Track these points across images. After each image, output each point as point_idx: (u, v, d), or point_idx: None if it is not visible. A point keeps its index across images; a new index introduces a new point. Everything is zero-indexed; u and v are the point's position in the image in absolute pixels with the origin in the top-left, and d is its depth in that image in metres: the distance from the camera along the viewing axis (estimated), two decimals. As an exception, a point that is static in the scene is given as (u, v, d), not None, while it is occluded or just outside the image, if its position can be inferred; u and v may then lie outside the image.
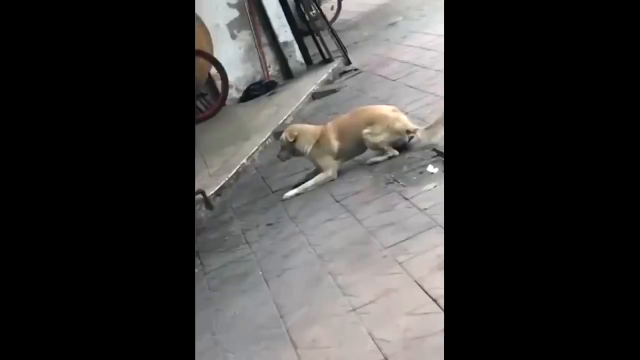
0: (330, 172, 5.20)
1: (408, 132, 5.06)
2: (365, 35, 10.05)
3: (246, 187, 5.96)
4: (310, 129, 5.41)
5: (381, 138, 5.05)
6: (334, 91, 7.89)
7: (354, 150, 5.28)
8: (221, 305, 4.07)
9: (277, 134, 5.63)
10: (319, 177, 5.22)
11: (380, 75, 7.55)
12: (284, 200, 5.20)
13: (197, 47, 8.88)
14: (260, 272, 4.24)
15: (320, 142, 5.24)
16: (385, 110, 5.25)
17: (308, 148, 5.26)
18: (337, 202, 4.78)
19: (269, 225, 4.92)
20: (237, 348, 3.58)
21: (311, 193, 5.12)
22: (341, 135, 5.23)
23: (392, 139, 5.06)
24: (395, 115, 5.14)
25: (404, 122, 5.10)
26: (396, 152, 5.09)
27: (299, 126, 5.54)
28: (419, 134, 5.03)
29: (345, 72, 8.50)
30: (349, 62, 8.78)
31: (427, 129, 5.00)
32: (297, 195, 5.20)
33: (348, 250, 4.04)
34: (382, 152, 5.11)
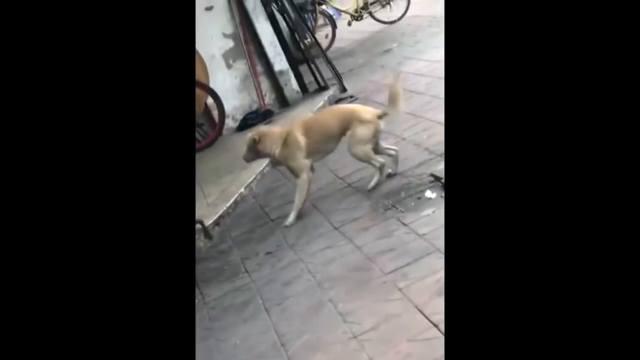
0: (304, 175, 5.24)
1: (379, 117, 5.16)
2: (360, 62, 10.13)
3: (244, 216, 5.96)
4: (276, 130, 5.49)
5: (364, 139, 5.13)
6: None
7: (322, 147, 5.33)
8: (222, 334, 4.05)
9: (273, 163, 5.62)
10: (299, 186, 5.26)
11: (376, 102, 7.57)
12: (287, 226, 5.19)
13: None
14: (260, 301, 4.23)
15: (287, 142, 5.27)
16: (354, 105, 5.49)
17: (275, 149, 5.29)
18: (336, 228, 4.78)
19: (268, 253, 4.92)
20: (238, 378, 3.57)
21: (309, 220, 5.11)
22: (307, 131, 5.29)
23: (371, 133, 5.14)
24: (362, 108, 5.33)
25: (371, 111, 5.24)
26: (382, 160, 5.19)
27: (264, 128, 5.66)
28: (386, 113, 5.18)
29: (340, 99, 8.54)
30: (344, 89, 8.83)
31: (388, 108, 5.21)
32: (296, 217, 5.21)
33: (348, 277, 4.03)
34: (369, 163, 5.21)
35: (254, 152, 5.42)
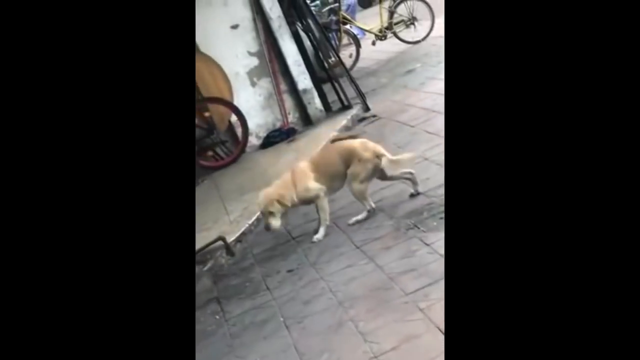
0: (321, 193, 5.25)
1: (377, 156, 5.16)
2: (383, 81, 10.14)
3: (266, 234, 5.95)
4: (277, 183, 5.36)
5: (361, 177, 5.15)
6: (352, 137, 7.90)
7: (329, 184, 5.31)
8: (242, 352, 4.06)
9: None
10: (320, 207, 5.27)
11: (399, 121, 7.59)
12: (314, 242, 5.20)
13: (218, 94, 9.02)
14: (281, 319, 4.24)
15: (296, 184, 5.26)
16: (354, 142, 5.41)
17: (293, 195, 5.24)
18: (357, 247, 4.78)
19: (289, 271, 4.93)
20: (258, 395, 3.57)
21: (330, 238, 5.11)
22: (316, 167, 5.32)
23: (369, 172, 5.16)
24: (362, 145, 5.27)
25: (372, 149, 5.21)
26: (373, 205, 5.24)
27: (269, 190, 5.31)
28: (384, 161, 5.16)
29: (364, 119, 8.55)
30: (367, 109, 8.83)
31: (392, 161, 5.17)
32: (325, 232, 5.24)
33: (369, 296, 4.03)
34: (362, 203, 5.24)
35: (279, 213, 5.24)
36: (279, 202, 5.14)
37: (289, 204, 5.20)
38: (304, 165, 5.36)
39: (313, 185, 5.24)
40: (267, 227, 5.26)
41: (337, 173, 5.27)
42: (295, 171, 5.33)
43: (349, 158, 5.21)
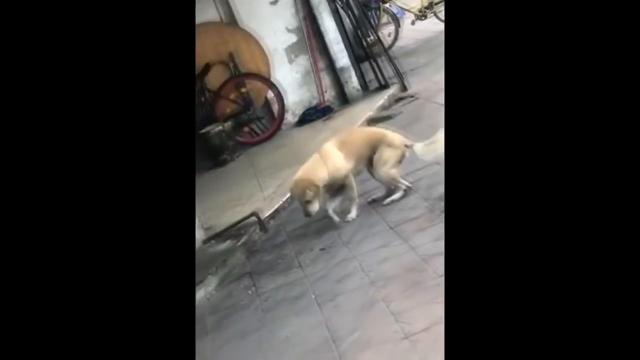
0: (349, 172, 5.21)
1: (406, 146, 5.17)
2: (422, 61, 10.04)
3: (300, 211, 5.94)
4: (306, 166, 5.27)
5: (391, 162, 5.15)
6: (389, 117, 7.90)
7: (355, 165, 5.27)
8: (273, 326, 4.09)
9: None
10: (350, 184, 5.23)
11: (437, 103, 7.53)
12: (347, 221, 5.19)
13: (255, 70, 9.03)
14: (313, 296, 4.26)
15: (326, 163, 5.21)
16: (381, 129, 5.44)
17: (325, 175, 5.16)
18: (391, 228, 4.77)
19: (322, 249, 4.94)
20: (288, 371, 3.61)
21: (364, 218, 5.10)
22: (342, 146, 5.28)
23: (398, 158, 5.18)
24: (391, 133, 5.30)
25: (399, 137, 5.24)
26: (409, 184, 5.22)
27: (297, 182, 5.20)
28: (416, 149, 5.13)
29: (401, 99, 8.50)
30: (405, 89, 8.78)
31: (426, 144, 5.10)
32: (357, 211, 5.23)
33: (401, 277, 4.02)
34: (395, 186, 5.22)
35: (315, 198, 5.12)
36: (310, 187, 5.06)
37: (321, 184, 5.12)
38: (331, 145, 5.33)
39: (342, 163, 5.22)
40: (308, 214, 5.16)
41: (362, 156, 5.26)
42: (324, 151, 5.29)
43: (377, 144, 5.21)
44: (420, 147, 5.12)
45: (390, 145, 5.18)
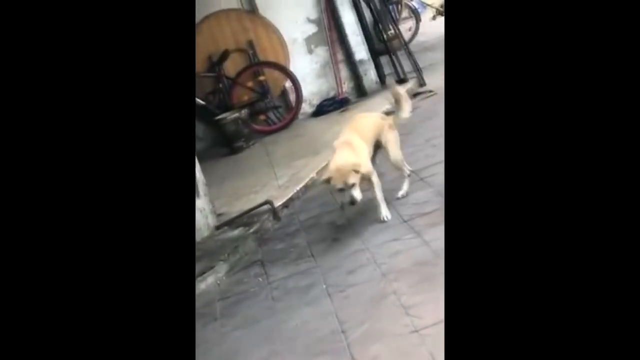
0: (375, 177, 5.05)
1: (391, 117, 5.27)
2: (441, 57, 9.98)
3: (314, 201, 5.99)
4: (340, 157, 4.86)
5: (398, 143, 5.20)
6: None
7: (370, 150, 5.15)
8: (283, 315, 4.09)
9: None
10: (377, 184, 5.02)
11: (455, 99, 7.49)
12: (384, 221, 4.92)
13: (274, 59, 9.03)
14: (324, 286, 4.26)
15: (357, 152, 4.95)
16: (378, 113, 5.60)
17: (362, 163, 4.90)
18: (404, 222, 4.76)
19: (335, 240, 4.93)
20: None
21: (378, 211, 5.04)
22: (360, 135, 5.08)
23: (398, 137, 5.23)
24: (385, 115, 5.41)
25: (391, 118, 5.30)
26: (411, 169, 5.29)
27: (339, 167, 4.77)
28: (402, 115, 5.26)
29: (419, 93, 8.47)
30: (423, 84, 8.75)
31: (395, 113, 5.28)
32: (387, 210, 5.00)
33: (413, 271, 4.01)
34: (400, 170, 5.23)
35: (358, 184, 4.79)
36: (356, 171, 4.72)
37: (362, 171, 4.80)
38: (354, 135, 5.05)
39: (368, 161, 5.00)
40: (353, 201, 4.73)
41: (371, 143, 5.11)
42: (350, 141, 4.98)
43: (381, 126, 5.15)
44: (403, 113, 5.25)
45: (391, 127, 5.18)
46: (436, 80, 8.73)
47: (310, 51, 9.27)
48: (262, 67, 9.05)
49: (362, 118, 5.41)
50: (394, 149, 5.16)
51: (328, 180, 4.80)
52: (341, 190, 4.74)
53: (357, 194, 4.72)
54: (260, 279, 4.76)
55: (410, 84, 8.78)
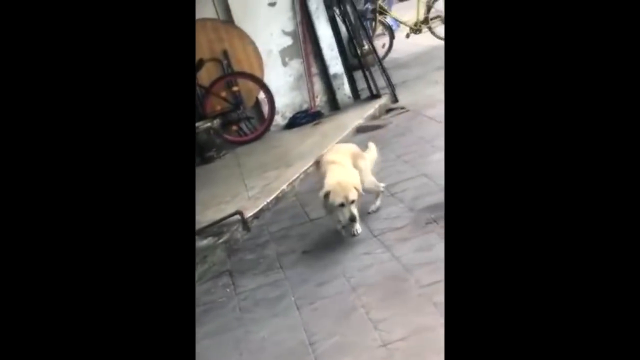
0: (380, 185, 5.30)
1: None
2: (414, 74, 10.07)
3: (284, 213, 5.99)
4: (340, 173, 4.91)
5: (370, 170, 5.27)
6: (379, 127, 7.92)
7: None
8: (251, 326, 4.07)
9: (317, 163, 5.54)
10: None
11: (427, 116, 7.56)
12: (354, 235, 4.89)
13: (248, 70, 9.02)
14: (293, 298, 4.25)
15: (360, 170, 5.14)
16: (350, 144, 5.60)
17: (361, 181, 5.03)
18: (375, 236, 4.78)
19: (305, 252, 4.93)
20: (263, 371, 3.60)
21: (348, 226, 5.05)
22: (338, 156, 5.23)
23: (370, 166, 5.32)
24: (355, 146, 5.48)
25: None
26: (383, 185, 5.38)
27: (341, 183, 4.77)
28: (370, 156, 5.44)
29: (391, 109, 8.52)
30: (396, 100, 8.81)
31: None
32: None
33: (383, 285, 4.03)
34: (377, 192, 5.27)
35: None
36: (354, 188, 4.76)
37: (360, 188, 4.87)
38: (345, 157, 5.14)
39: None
40: (353, 218, 4.75)
41: (351, 165, 5.16)
42: (341, 163, 5.02)
43: (356, 157, 5.21)
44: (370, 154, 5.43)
45: (363, 157, 5.25)
46: (409, 97, 8.79)
47: (284, 64, 9.28)
48: (237, 77, 9.04)
49: (341, 146, 5.55)
50: (366, 176, 5.17)
51: (327, 195, 4.76)
52: (341, 205, 4.73)
53: (355, 210, 4.75)
54: (228, 290, 4.74)
55: (383, 100, 8.83)
